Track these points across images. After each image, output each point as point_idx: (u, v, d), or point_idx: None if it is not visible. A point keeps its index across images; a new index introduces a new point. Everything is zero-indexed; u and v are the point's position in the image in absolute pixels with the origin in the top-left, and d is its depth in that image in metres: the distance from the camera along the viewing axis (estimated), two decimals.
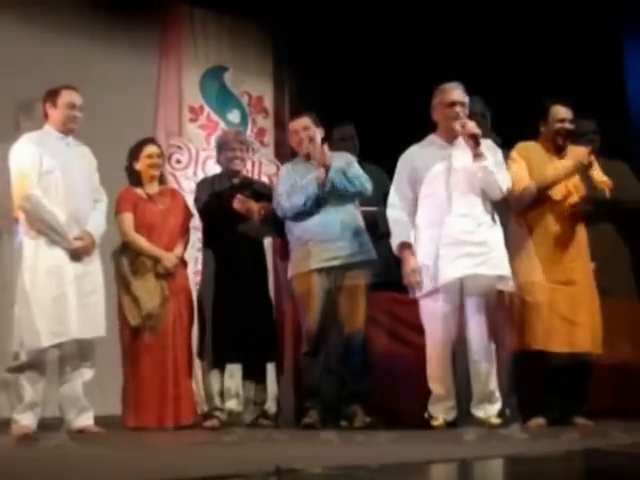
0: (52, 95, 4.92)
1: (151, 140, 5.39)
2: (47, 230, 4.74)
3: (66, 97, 4.90)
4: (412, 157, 4.89)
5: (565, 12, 6.28)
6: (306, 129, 5.20)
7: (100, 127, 6.74)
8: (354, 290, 5.00)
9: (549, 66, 6.31)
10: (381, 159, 5.52)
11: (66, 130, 4.92)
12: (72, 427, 4.80)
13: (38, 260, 4.72)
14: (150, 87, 7.37)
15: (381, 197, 5.17)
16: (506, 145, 5.09)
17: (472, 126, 4.70)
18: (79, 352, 4.82)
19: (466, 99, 4.86)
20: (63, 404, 4.84)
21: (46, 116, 4.95)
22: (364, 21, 7.21)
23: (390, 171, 5.16)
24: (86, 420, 4.83)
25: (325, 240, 4.97)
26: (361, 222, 5.13)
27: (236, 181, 5.42)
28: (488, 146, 4.83)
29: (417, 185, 4.82)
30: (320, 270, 4.97)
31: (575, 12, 6.23)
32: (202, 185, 5.51)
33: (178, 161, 7.37)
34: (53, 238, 4.75)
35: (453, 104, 4.80)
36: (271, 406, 6.83)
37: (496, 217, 4.80)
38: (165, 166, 5.82)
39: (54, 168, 4.79)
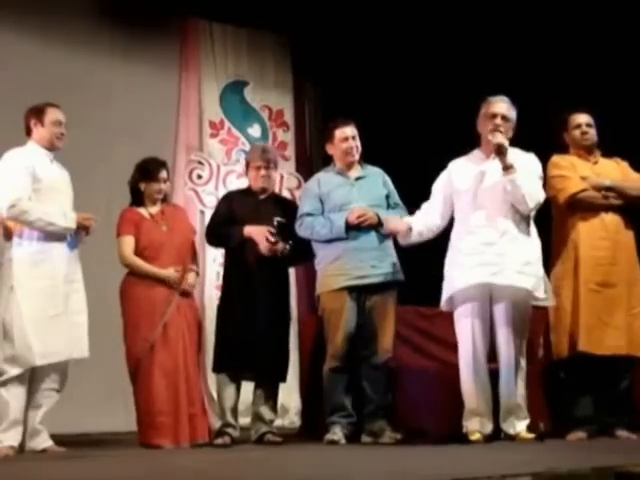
0: (37, 113, 4.82)
1: (164, 164, 5.21)
2: (43, 224, 4.64)
3: (52, 115, 4.82)
4: (450, 170, 4.82)
5: (603, 22, 6.22)
6: (354, 138, 5.09)
7: (121, 143, 6.79)
8: (384, 310, 4.92)
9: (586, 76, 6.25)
10: (385, 160, 5.38)
11: (53, 147, 4.86)
12: (36, 447, 4.66)
13: (33, 277, 4.65)
14: (170, 102, 7.38)
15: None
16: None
17: (499, 137, 4.59)
18: (52, 373, 4.72)
19: (511, 113, 4.72)
20: (31, 425, 4.68)
21: (29, 133, 4.85)
22: (383, 31, 7.18)
23: (392, 172, 5.16)
24: (47, 441, 4.72)
25: (358, 258, 4.89)
26: (391, 241, 5.04)
27: (262, 197, 5.27)
28: (530, 158, 4.75)
29: (453, 198, 4.76)
30: (351, 288, 4.90)
31: (615, 23, 6.17)
32: (225, 200, 5.36)
33: (199, 176, 7.36)
34: (50, 230, 4.66)
35: (494, 116, 4.69)
36: (295, 420, 6.85)
37: (531, 229, 4.70)
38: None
39: (43, 179, 4.74)
